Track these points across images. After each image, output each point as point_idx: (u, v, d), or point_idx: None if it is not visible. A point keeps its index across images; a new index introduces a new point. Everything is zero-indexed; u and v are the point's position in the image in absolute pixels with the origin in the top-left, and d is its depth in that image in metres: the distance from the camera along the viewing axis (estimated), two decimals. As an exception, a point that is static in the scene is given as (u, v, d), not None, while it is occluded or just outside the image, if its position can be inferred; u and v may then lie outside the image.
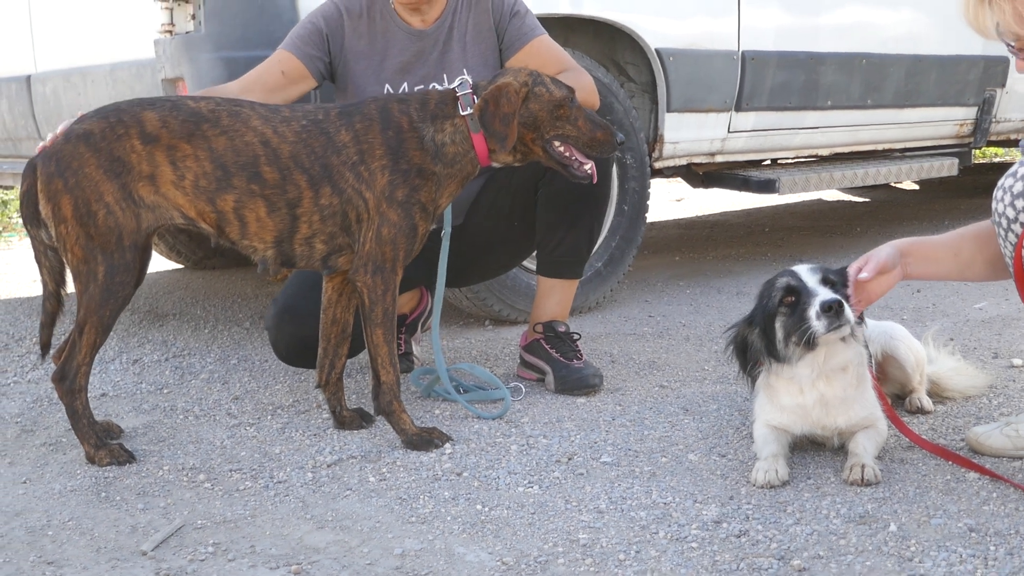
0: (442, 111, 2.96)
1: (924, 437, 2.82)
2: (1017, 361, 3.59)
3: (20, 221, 8.69)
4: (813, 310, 2.53)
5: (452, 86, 3.02)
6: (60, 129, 2.83)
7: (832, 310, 2.51)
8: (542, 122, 2.99)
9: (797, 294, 2.60)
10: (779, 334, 2.63)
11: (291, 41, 3.35)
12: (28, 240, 8.72)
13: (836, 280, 2.62)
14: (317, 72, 3.36)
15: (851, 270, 2.65)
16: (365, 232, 2.91)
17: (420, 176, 2.92)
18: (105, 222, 2.77)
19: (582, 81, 3.35)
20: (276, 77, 3.27)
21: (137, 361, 4.01)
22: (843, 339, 2.62)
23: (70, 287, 2.94)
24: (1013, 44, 2.39)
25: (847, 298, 2.58)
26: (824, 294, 2.55)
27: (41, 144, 2.84)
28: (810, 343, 2.57)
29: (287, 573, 2.22)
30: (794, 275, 2.63)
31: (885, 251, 2.70)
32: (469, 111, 2.95)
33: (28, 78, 4.58)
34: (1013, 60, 2.48)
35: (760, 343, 2.68)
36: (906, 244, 2.76)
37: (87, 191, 2.76)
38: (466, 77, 3.05)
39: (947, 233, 2.84)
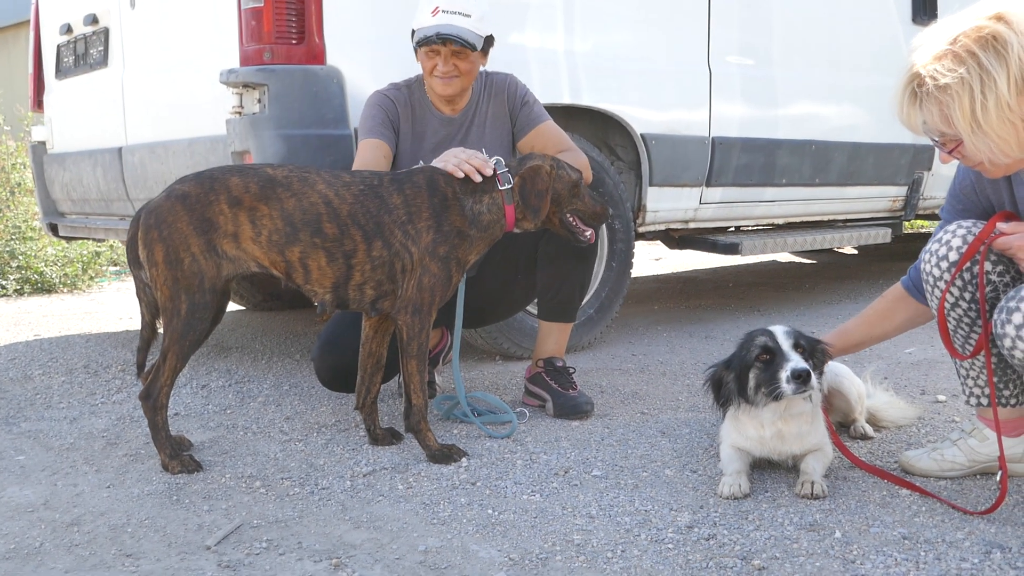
0: (481, 186, 2.97)
1: (864, 459, 2.81)
2: (941, 397, 3.57)
3: (112, 269, 8.71)
4: (785, 373, 2.50)
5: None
6: None
7: (801, 378, 2.49)
8: (562, 199, 3.03)
9: (772, 353, 2.57)
10: (751, 383, 2.60)
11: (377, 130, 3.38)
12: (116, 285, 8.67)
13: (806, 346, 2.60)
14: (395, 151, 3.43)
15: None
16: (408, 280, 2.90)
17: (459, 237, 2.93)
18: (190, 268, 2.77)
19: (579, 160, 3.37)
20: (382, 161, 3.32)
21: (205, 386, 4.00)
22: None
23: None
24: (938, 139, 2.34)
25: (814, 367, 2.56)
26: (796, 361, 2.52)
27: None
28: (777, 398, 2.56)
29: (328, 565, 2.21)
30: (771, 336, 2.59)
31: None
32: (507, 186, 2.97)
33: (120, 149, 4.62)
34: (938, 152, 2.45)
35: (734, 385, 2.65)
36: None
37: (177, 242, 2.76)
38: (499, 158, 3.05)
39: (866, 310, 2.84)
